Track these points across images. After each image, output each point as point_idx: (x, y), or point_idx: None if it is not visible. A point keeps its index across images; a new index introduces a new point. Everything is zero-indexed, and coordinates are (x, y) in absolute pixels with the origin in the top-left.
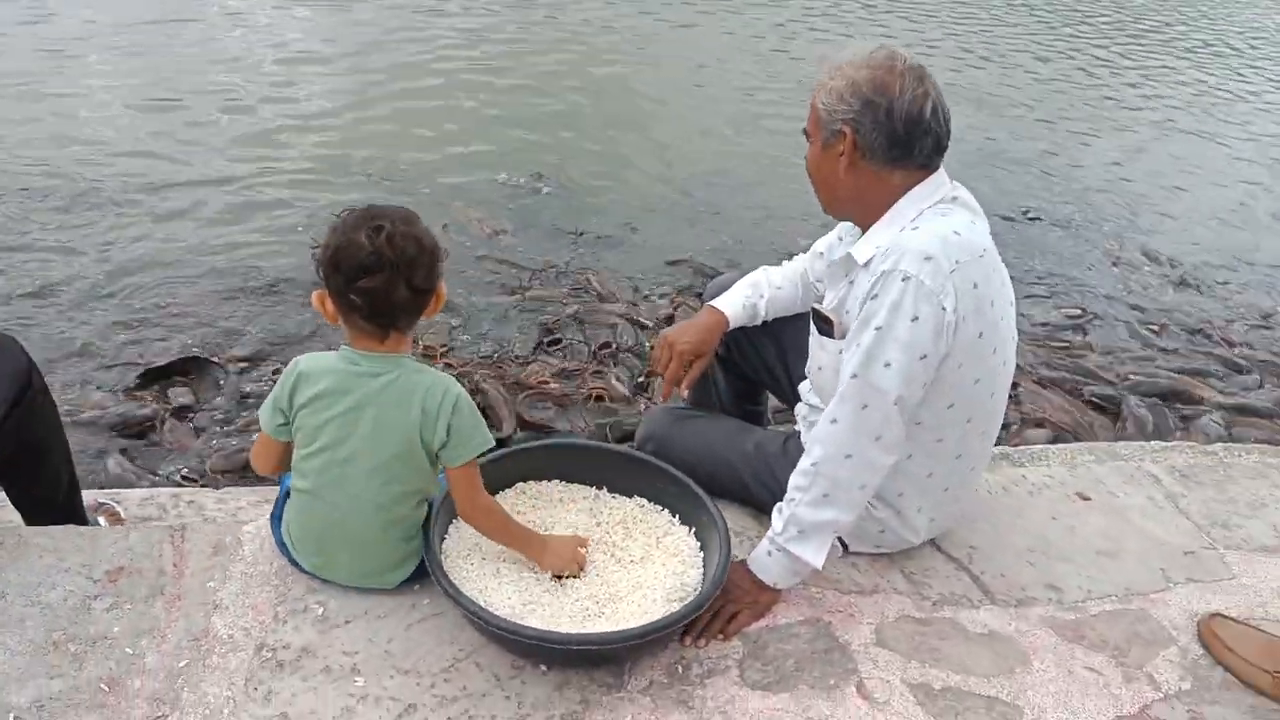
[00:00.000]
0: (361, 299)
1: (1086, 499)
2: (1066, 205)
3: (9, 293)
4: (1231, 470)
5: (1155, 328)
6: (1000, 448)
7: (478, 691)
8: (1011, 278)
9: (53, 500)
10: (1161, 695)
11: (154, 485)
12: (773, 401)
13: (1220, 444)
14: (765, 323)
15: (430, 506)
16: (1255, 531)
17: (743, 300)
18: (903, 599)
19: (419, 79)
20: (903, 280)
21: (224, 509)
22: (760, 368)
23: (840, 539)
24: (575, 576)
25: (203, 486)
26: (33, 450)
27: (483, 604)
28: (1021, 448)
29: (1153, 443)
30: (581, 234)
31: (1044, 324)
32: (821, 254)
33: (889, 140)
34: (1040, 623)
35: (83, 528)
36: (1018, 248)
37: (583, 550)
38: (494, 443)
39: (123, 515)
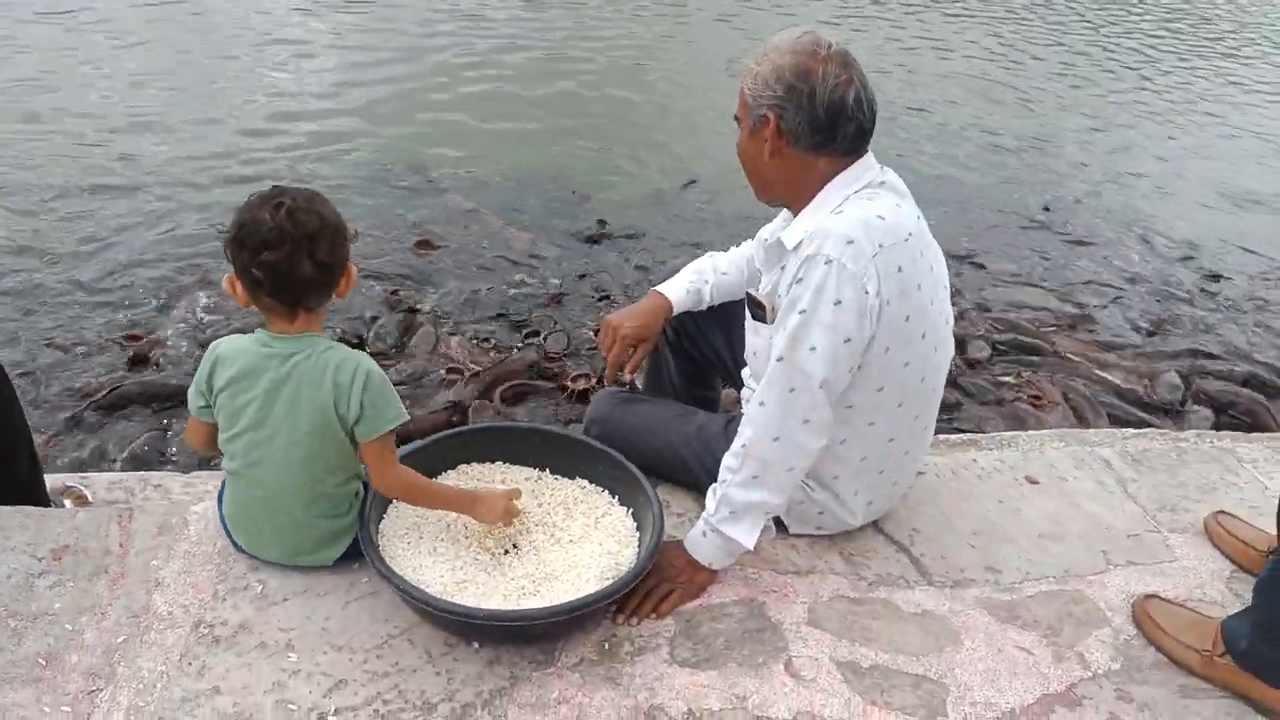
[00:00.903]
0: (264, 274)
1: (1035, 483)
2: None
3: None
4: (1186, 455)
5: None
6: (969, 434)
7: (409, 667)
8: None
9: (12, 481)
10: (1090, 674)
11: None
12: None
13: (1193, 431)
14: (712, 308)
15: (365, 485)
16: (1202, 515)
17: (686, 285)
18: (839, 579)
19: (465, 84)
20: (825, 264)
21: (191, 492)
22: (709, 352)
23: (780, 520)
24: (511, 528)
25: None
26: None
27: (414, 582)
28: (993, 434)
29: (1126, 429)
30: (600, 240)
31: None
32: (765, 240)
33: (811, 126)
34: (975, 603)
35: (32, 510)
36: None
37: (516, 503)
38: (408, 417)
39: (90, 498)
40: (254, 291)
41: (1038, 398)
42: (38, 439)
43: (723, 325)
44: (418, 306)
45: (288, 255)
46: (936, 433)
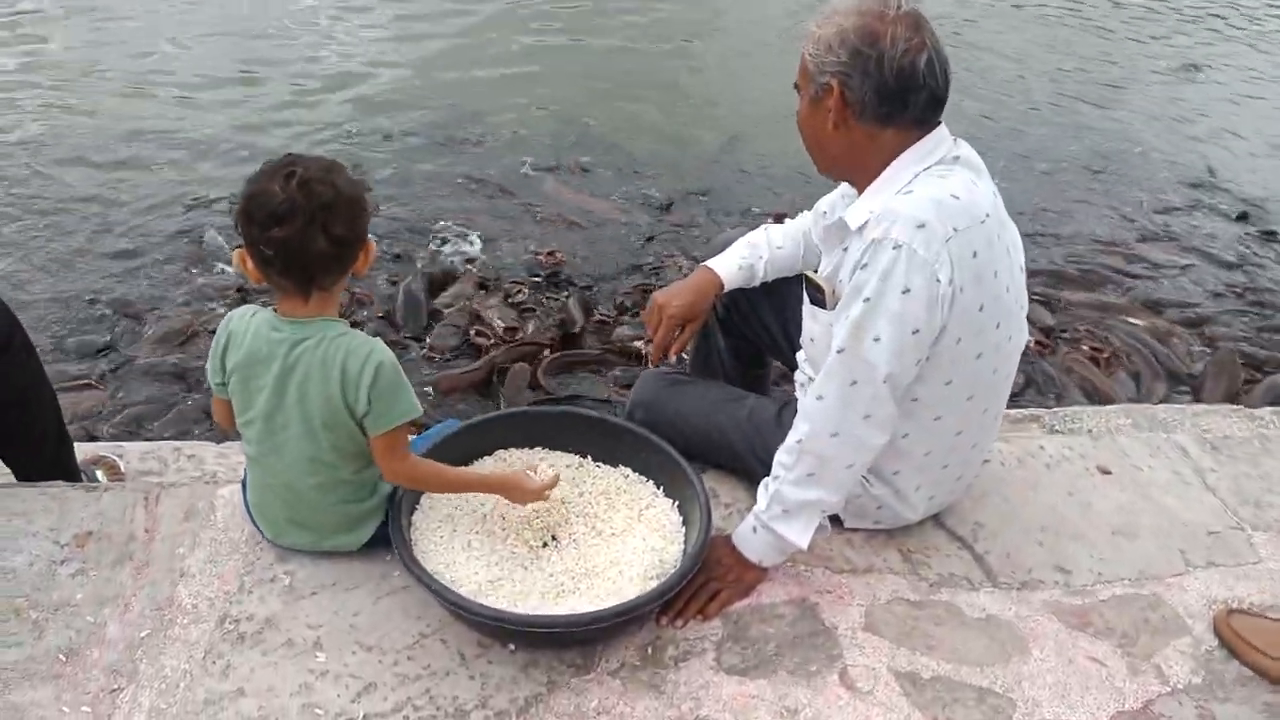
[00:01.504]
0: (274, 251)
1: (1107, 473)
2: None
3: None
4: (1270, 443)
5: None
6: (1032, 409)
7: (441, 670)
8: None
9: (40, 456)
10: (1169, 689)
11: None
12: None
13: (1270, 409)
14: (765, 284)
15: None
16: None
17: (739, 260)
18: (897, 579)
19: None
20: (893, 249)
21: (224, 463)
22: (760, 331)
23: (835, 514)
24: (550, 517)
25: None
26: (16, 406)
27: (448, 579)
28: (1057, 410)
29: (1195, 406)
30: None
31: None
32: (824, 213)
33: (879, 96)
34: (1044, 608)
35: (55, 489)
36: None
37: (549, 471)
38: (420, 411)
39: (123, 469)
40: (264, 269)
41: (1099, 350)
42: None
43: (776, 303)
44: (463, 269)
45: (299, 230)
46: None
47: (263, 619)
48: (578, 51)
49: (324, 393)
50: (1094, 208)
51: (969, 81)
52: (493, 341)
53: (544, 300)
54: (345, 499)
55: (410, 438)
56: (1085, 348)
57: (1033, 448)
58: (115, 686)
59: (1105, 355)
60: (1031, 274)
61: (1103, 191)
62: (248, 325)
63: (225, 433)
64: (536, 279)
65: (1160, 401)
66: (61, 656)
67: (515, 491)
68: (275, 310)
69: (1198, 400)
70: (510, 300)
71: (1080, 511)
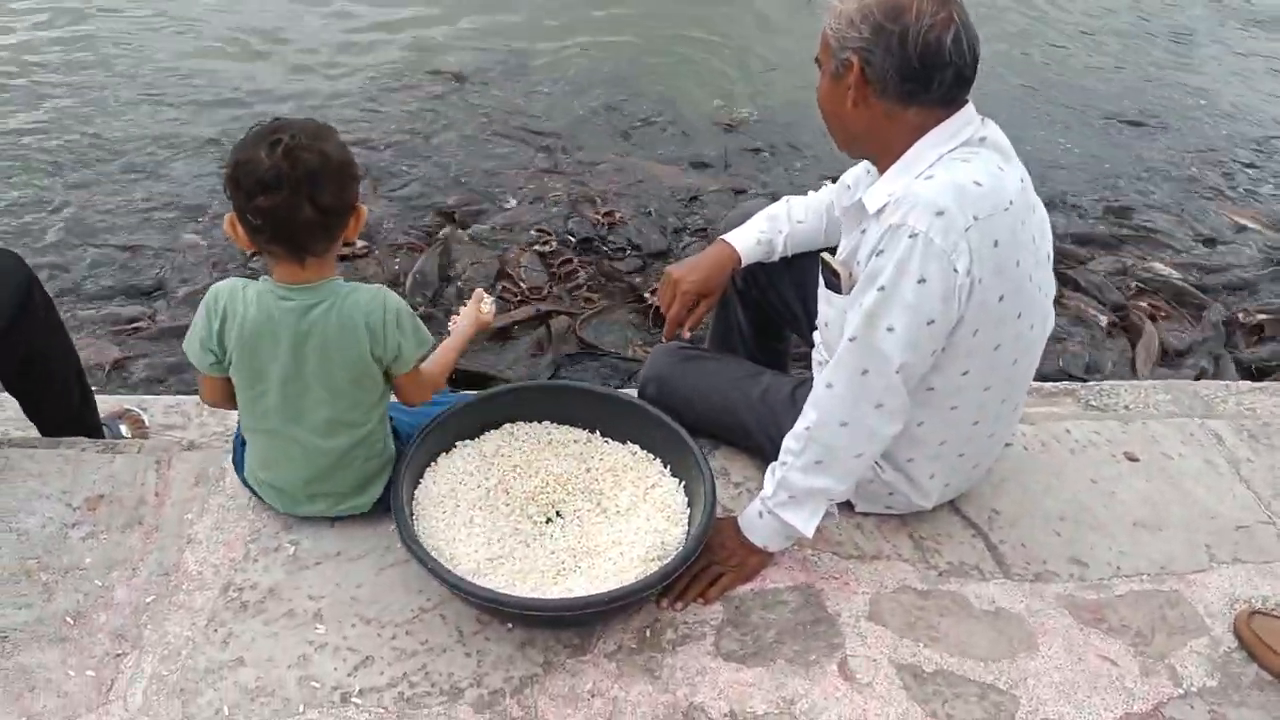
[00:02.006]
0: (261, 219)
1: (1134, 460)
2: None
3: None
4: None
5: None
6: (1067, 383)
7: (438, 646)
8: None
9: (63, 412)
10: (1181, 692)
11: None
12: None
13: None
14: (785, 257)
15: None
16: None
17: (757, 235)
18: (906, 567)
19: None
20: (910, 237)
21: None
22: (779, 304)
23: (847, 499)
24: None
25: None
26: (38, 363)
27: (448, 555)
28: (1093, 384)
29: (1242, 383)
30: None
31: None
32: (849, 186)
33: (901, 74)
34: (1056, 601)
35: (71, 451)
36: None
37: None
38: (433, 339)
39: (146, 422)
40: (254, 237)
41: (1158, 308)
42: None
43: (796, 277)
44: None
45: (286, 199)
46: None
47: (266, 588)
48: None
49: (353, 351)
50: (1149, 164)
51: (1035, 30)
52: (518, 299)
53: (573, 258)
54: (363, 457)
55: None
56: (1145, 305)
57: (1059, 431)
58: (120, 651)
59: (1164, 314)
60: (1078, 239)
61: (1164, 147)
62: (245, 299)
63: (224, 408)
64: (570, 236)
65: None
66: (69, 619)
67: (478, 329)
68: (271, 278)
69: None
70: (538, 249)
71: (1103, 501)
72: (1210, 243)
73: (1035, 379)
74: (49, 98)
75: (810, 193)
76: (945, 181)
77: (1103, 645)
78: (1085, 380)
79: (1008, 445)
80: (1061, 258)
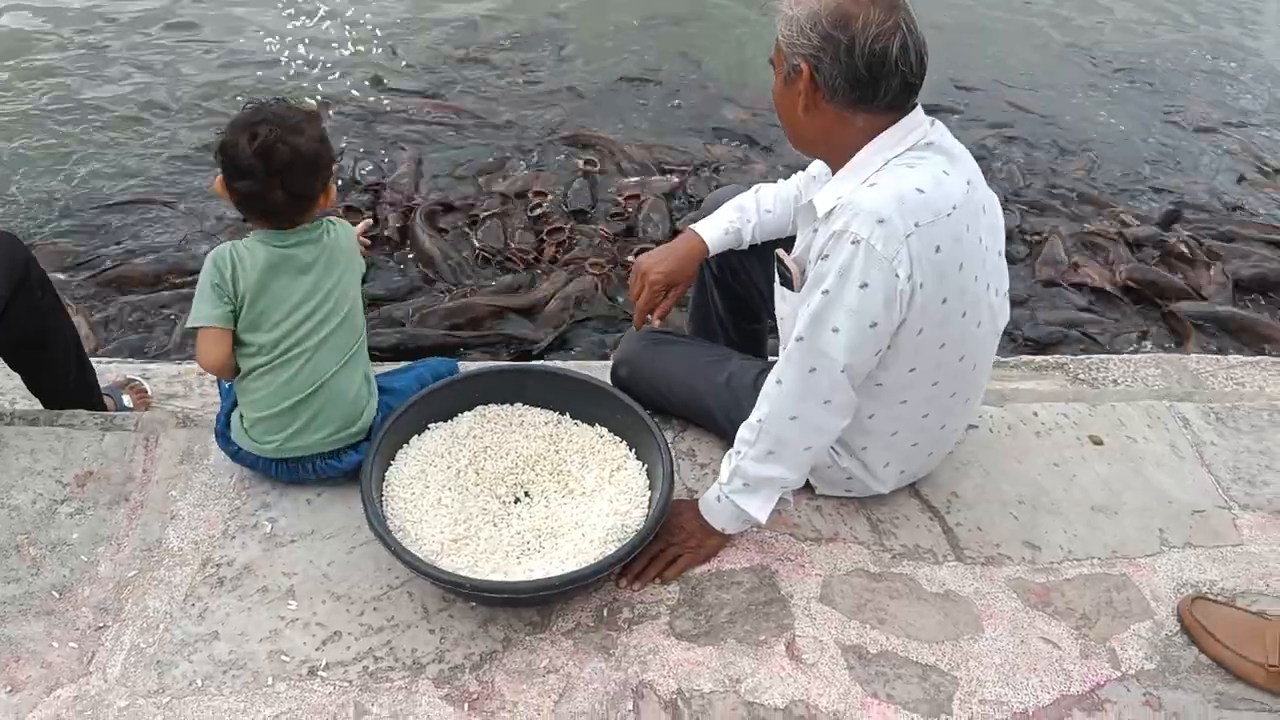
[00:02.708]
0: (239, 198)
1: (1099, 443)
2: None
3: None
4: (1279, 415)
5: None
6: (1058, 356)
7: (404, 622)
8: None
9: (62, 387)
10: (1119, 674)
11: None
12: None
13: None
14: (755, 246)
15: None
16: None
17: (725, 225)
18: (861, 550)
19: None
20: (852, 243)
21: None
22: (751, 288)
23: (807, 481)
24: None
25: None
26: (37, 340)
27: (414, 536)
28: (1083, 358)
29: (1233, 357)
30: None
31: None
32: (815, 178)
33: (849, 81)
34: (1005, 584)
35: (62, 429)
36: None
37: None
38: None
39: (149, 391)
40: (237, 206)
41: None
42: None
43: (765, 264)
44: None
45: (259, 185)
46: (1030, 350)
47: (242, 565)
48: None
49: (355, 262)
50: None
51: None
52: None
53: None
54: (355, 383)
55: (400, 369)
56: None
57: (1026, 414)
58: (101, 624)
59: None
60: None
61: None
62: (248, 248)
63: (220, 374)
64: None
65: None
66: (55, 593)
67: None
68: (255, 232)
69: None
70: (531, 212)
71: (1063, 485)
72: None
73: (1031, 351)
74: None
75: (780, 181)
76: (887, 190)
77: (1047, 628)
78: None
79: (973, 428)
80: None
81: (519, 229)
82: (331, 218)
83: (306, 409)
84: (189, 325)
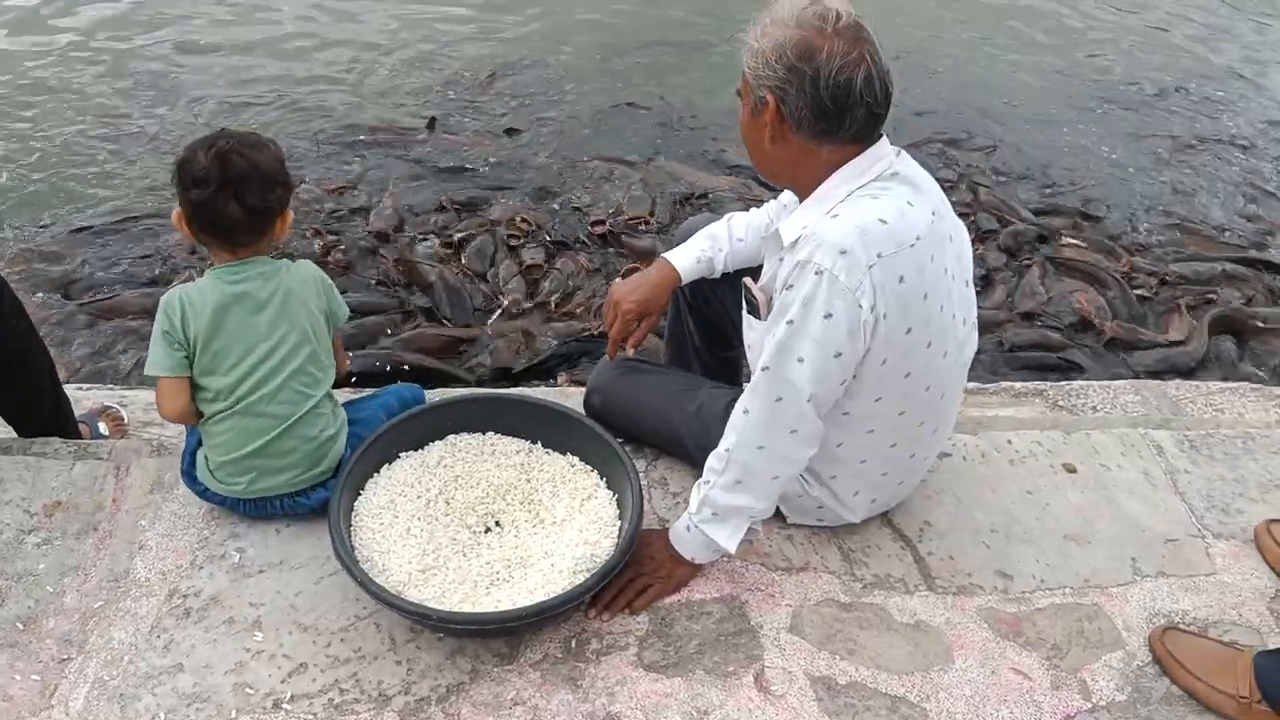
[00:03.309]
0: (194, 211)
1: (1072, 471)
2: None
3: None
4: (1253, 443)
5: None
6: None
7: (370, 654)
8: None
9: (36, 414)
10: (1089, 705)
11: None
12: None
13: None
14: (727, 274)
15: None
16: (1257, 518)
17: (697, 254)
18: (832, 579)
19: None
20: (816, 274)
21: None
22: (724, 316)
23: (779, 509)
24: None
25: None
26: (10, 368)
27: (381, 566)
28: (1064, 384)
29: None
30: None
31: None
32: (785, 206)
33: (815, 113)
34: (976, 614)
35: (32, 458)
36: None
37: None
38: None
39: (125, 419)
40: (189, 225)
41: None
42: None
43: (738, 291)
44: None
45: (212, 196)
46: (1020, 377)
47: (209, 595)
48: None
49: (308, 304)
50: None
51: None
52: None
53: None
54: (321, 424)
55: (365, 397)
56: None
57: (1000, 441)
58: (65, 656)
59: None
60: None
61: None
62: (198, 290)
63: (183, 422)
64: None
65: None
66: (20, 625)
67: None
68: (212, 270)
69: None
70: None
71: (1036, 513)
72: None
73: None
74: None
75: (753, 209)
76: (850, 221)
77: (1018, 658)
78: None
79: (946, 456)
80: None
81: (504, 259)
82: (297, 259)
83: (271, 453)
84: (145, 373)
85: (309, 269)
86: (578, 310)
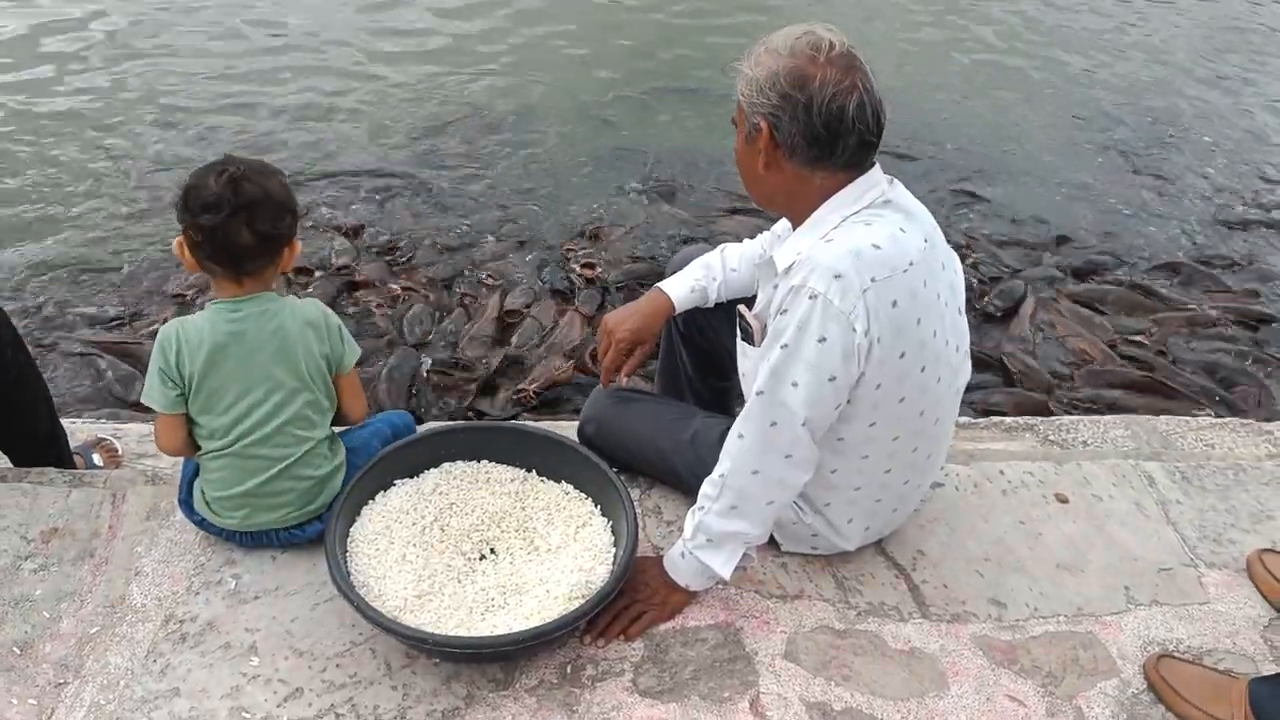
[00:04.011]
0: (202, 236)
1: (1064, 501)
2: None
3: None
4: (1244, 474)
5: None
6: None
7: (366, 679)
8: None
9: (32, 445)
10: None
11: None
12: None
13: None
14: (720, 303)
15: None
16: (1249, 548)
17: (691, 284)
18: (826, 607)
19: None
20: (810, 298)
21: None
22: (718, 347)
23: (773, 537)
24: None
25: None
26: (7, 398)
27: (377, 591)
28: (1054, 419)
29: (1202, 419)
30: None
31: None
32: (779, 236)
33: (807, 140)
34: (971, 642)
35: (29, 485)
36: None
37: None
38: (360, 351)
39: (119, 450)
40: (195, 252)
41: None
42: None
43: (732, 321)
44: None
45: (224, 220)
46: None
47: (205, 621)
48: None
49: (304, 345)
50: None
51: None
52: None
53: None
54: (317, 464)
55: (364, 431)
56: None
57: (992, 472)
58: (62, 681)
59: None
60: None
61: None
62: (196, 326)
63: (182, 454)
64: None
65: None
66: (16, 649)
67: None
68: (213, 305)
69: None
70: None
71: (1028, 543)
72: None
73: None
74: None
75: (746, 240)
76: (844, 246)
77: (1013, 686)
78: None
79: (939, 486)
80: None
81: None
82: (304, 296)
83: (265, 492)
84: (142, 400)
85: (312, 310)
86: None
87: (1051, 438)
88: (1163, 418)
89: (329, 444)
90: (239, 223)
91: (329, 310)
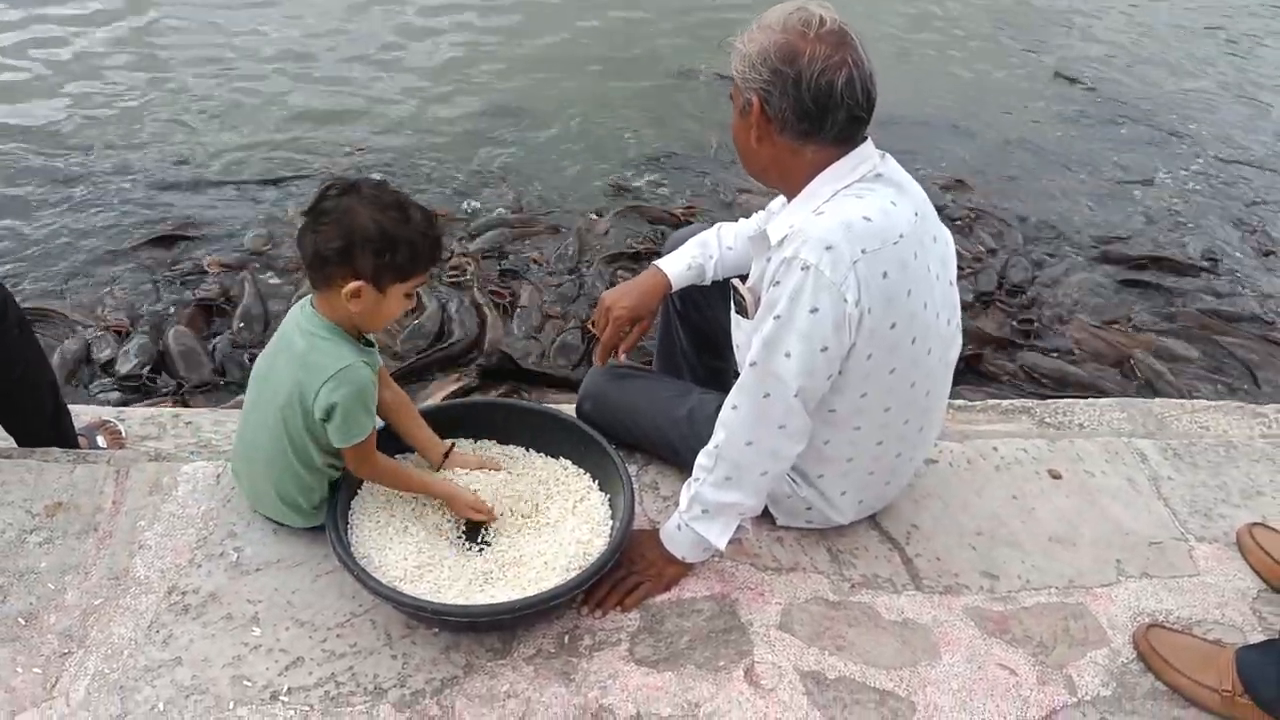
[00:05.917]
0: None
1: (1057, 477)
2: None
3: None
4: (1235, 451)
5: None
6: (1025, 400)
7: (366, 649)
8: None
9: (37, 426)
10: (1075, 700)
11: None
12: None
13: (1275, 406)
14: (717, 281)
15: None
16: (1239, 522)
17: (689, 261)
18: (820, 579)
19: None
20: (802, 269)
21: (220, 430)
22: (715, 324)
23: (768, 511)
24: (489, 521)
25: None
26: (12, 378)
27: (377, 563)
28: (1050, 402)
29: (1197, 402)
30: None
31: None
32: (773, 213)
33: (797, 114)
34: (963, 613)
35: (34, 461)
36: None
37: (486, 493)
38: (369, 430)
39: (123, 433)
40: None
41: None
42: None
43: (728, 299)
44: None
45: (305, 225)
46: (1001, 395)
47: (207, 593)
48: None
49: (287, 383)
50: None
51: None
52: None
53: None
54: (295, 488)
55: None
56: None
57: (985, 449)
58: (66, 650)
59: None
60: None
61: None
62: (297, 306)
63: None
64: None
65: None
66: (21, 620)
67: (454, 503)
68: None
69: None
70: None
71: (1021, 517)
72: None
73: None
74: None
75: (742, 219)
76: (835, 218)
77: (1004, 655)
78: None
79: (933, 462)
80: None
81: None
82: (343, 350)
83: (247, 480)
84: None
85: (316, 368)
86: None
87: (1047, 420)
88: (1157, 401)
89: (303, 484)
90: (309, 229)
91: (341, 398)
